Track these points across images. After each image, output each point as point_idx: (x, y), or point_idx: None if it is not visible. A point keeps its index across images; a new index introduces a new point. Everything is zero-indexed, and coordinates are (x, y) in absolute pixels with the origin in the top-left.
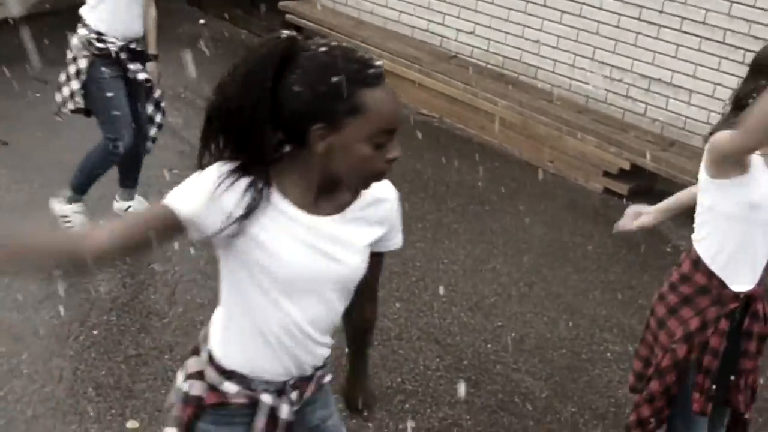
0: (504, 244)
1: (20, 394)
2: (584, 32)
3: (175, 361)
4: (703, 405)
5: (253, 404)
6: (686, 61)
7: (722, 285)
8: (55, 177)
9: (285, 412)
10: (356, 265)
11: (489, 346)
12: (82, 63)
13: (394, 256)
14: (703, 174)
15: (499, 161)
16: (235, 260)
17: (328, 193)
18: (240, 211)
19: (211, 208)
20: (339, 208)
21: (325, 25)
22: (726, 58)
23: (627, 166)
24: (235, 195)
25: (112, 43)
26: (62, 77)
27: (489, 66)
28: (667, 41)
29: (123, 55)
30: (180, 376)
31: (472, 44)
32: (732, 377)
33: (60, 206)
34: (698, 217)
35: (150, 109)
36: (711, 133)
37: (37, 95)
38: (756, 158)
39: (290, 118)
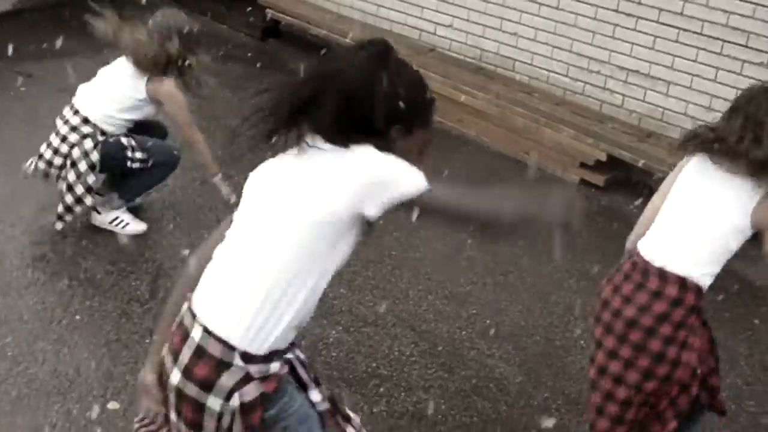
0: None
1: (5, 375)
2: (562, 24)
3: None
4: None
5: (289, 365)
6: (664, 52)
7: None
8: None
9: (300, 354)
10: None
11: (463, 333)
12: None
13: (371, 245)
14: (745, 219)
15: (477, 153)
16: (349, 235)
17: None
18: None
19: None
20: None
21: (305, 20)
22: (704, 50)
23: (604, 158)
24: None
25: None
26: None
27: (467, 59)
28: (644, 33)
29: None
30: (211, 400)
31: (450, 37)
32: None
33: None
34: (713, 255)
35: None
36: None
37: (22, 89)
38: None
39: (378, 116)
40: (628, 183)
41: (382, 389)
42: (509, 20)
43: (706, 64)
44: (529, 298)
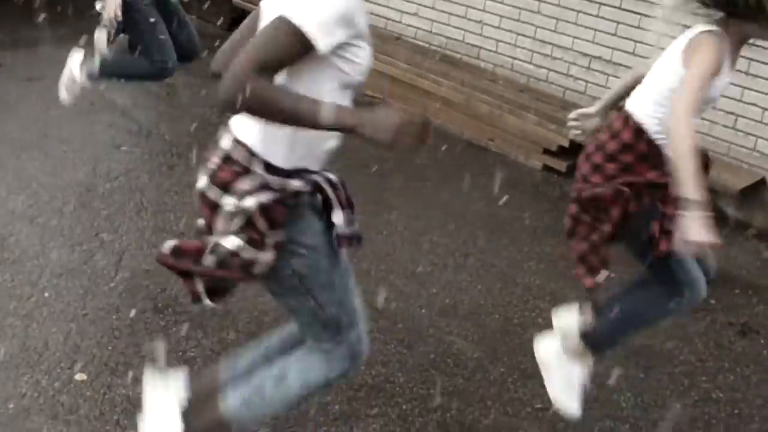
0: (442, 218)
1: None
2: (526, 11)
3: (121, 321)
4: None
5: (314, 189)
6: (626, 38)
7: (660, 152)
8: (5, 152)
9: (333, 176)
10: None
11: (423, 311)
12: None
13: None
14: (677, 63)
15: (441, 140)
16: (326, 69)
17: None
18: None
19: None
20: None
21: None
22: (665, 35)
23: (566, 144)
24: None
25: None
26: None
27: (432, 47)
28: (607, 19)
29: None
30: (226, 199)
31: (415, 25)
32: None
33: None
34: (657, 96)
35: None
36: None
37: None
38: (725, 62)
39: None
40: None
41: None
42: (474, 8)
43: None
44: (490, 278)
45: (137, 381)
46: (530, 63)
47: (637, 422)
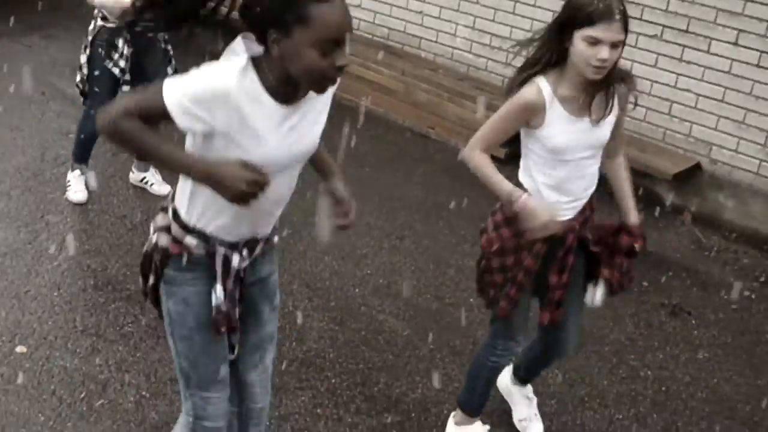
0: (380, 202)
1: None
2: (465, 2)
3: (62, 298)
4: (508, 311)
5: (210, 256)
6: None
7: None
8: None
9: (236, 260)
10: (318, 138)
11: (356, 290)
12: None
13: None
14: None
15: (383, 128)
16: (212, 142)
17: (295, 87)
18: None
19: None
20: (300, 99)
21: None
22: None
23: None
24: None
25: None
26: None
27: (375, 38)
28: (543, 8)
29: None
30: (151, 229)
31: (358, 17)
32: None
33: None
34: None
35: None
36: (512, 77)
37: None
38: (556, 109)
39: (252, 23)
40: None
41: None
42: None
43: None
44: (423, 260)
45: (75, 354)
46: (469, 52)
47: (563, 398)
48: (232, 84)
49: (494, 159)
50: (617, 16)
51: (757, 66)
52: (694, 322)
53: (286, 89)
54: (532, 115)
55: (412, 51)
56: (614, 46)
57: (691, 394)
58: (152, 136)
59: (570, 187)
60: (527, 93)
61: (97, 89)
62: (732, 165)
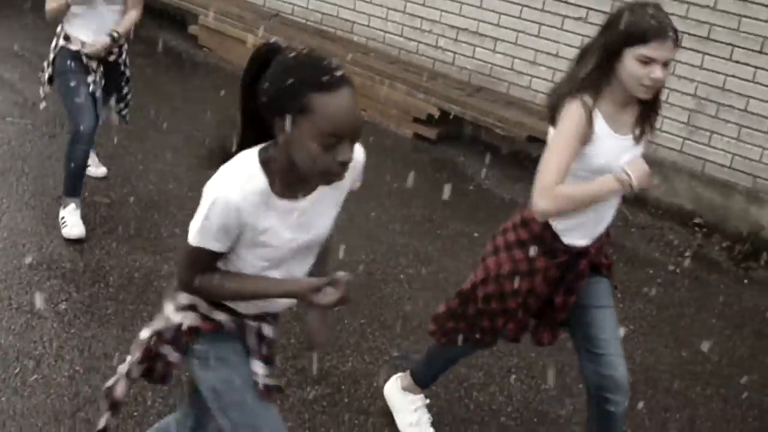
0: None
1: None
2: None
3: None
4: (516, 333)
5: (240, 327)
6: (490, 10)
7: (555, 238)
8: None
9: (267, 330)
10: (329, 228)
11: None
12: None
13: (187, 191)
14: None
15: None
16: (240, 240)
17: (305, 178)
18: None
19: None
20: (312, 189)
21: None
22: (527, 6)
23: (435, 112)
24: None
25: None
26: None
27: (309, 23)
28: None
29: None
30: (169, 307)
31: (292, 2)
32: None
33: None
34: None
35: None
36: (554, 92)
37: None
38: (601, 126)
39: (259, 112)
40: (459, 135)
41: None
42: None
43: (529, 20)
44: (355, 237)
45: (9, 331)
46: (401, 36)
47: (491, 369)
48: (238, 202)
49: (424, 139)
50: (670, 34)
51: (680, 47)
52: (620, 296)
53: (296, 181)
54: (586, 131)
55: (345, 35)
56: (665, 64)
57: None
58: (228, 282)
59: (599, 208)
60: (577, 109)
61: (71, 109)
62: (656, 143)
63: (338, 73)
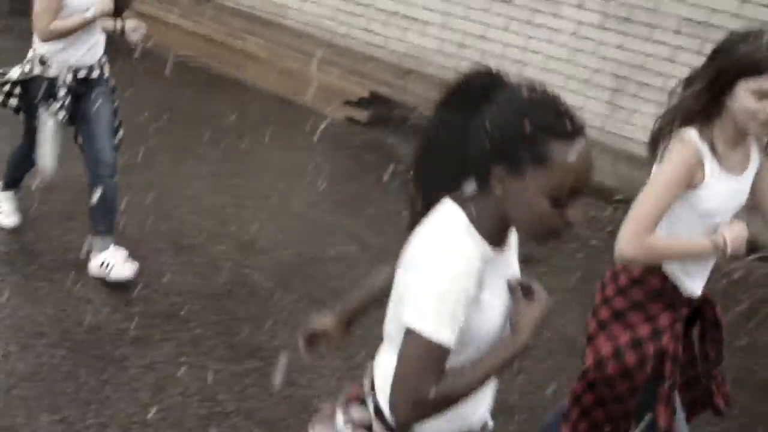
0: (246, 165)
1: None
2: None
3: None
4: (668, 419)
5: None
6: None
7: (675, 289)
8: None
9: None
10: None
11: (222, 247)
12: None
13: (135, 181)
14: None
15: (251, 95)
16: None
17: (506, 231)
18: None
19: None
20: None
21: None
22: None
23: (366, 94)
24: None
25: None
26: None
27: (242, 8)
28: None
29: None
30: (341, 419)
31: None
32: (701, 381)
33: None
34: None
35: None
36: (657, 124)
37: None
38: (712, 167)
39: (476, 154)
40: (390, 118)
41: (138, 293)
42: None
43: (455, 3)
44: (287, 217)
45: None
46: (333, 20)
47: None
48: (479, 268)
49: (355, 122)
50: None
51: (602, 28)
52: (543, 269)
53: (498, 233)
54: (694, 174)
55: (278, 20)
56: None
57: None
58: (459, 378)
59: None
60: (686, 150)
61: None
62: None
63: (578, 118)
